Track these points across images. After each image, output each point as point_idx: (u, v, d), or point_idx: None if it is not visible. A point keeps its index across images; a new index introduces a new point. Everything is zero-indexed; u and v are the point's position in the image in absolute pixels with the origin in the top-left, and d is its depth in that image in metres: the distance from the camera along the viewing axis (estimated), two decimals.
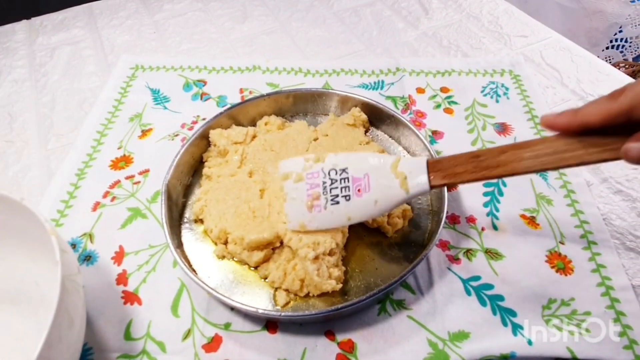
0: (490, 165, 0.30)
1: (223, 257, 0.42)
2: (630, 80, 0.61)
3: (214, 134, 0.49)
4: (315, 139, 0.50)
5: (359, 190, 0.36)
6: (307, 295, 0.39)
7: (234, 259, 0.42)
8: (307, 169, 0.39)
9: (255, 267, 0.41)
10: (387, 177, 0.35)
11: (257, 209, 0.43)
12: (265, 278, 0.40)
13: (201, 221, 0.45)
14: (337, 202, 0.37)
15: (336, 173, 0.37)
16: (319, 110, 0.55)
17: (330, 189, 0.37)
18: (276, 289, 0.40)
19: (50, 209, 0.47)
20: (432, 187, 0.33)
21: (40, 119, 0.59)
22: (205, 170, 0.48)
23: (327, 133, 0.50)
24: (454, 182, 0.33)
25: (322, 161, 0.39)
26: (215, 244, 0.43)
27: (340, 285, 0.39)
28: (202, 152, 0.50)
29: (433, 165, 0.34)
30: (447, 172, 0.33)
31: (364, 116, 0.51)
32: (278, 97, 0.53)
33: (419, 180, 0.34)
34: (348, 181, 0.37)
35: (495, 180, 0.48)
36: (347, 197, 0.36)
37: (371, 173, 0.36)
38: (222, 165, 0.48)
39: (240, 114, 0.52)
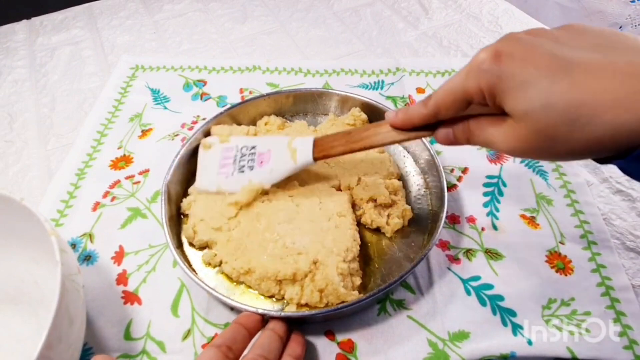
0: (356, 140, 0.38)
1: (209, 264, 0.41)
2: None
3: (216, 129, 0.49)
4: None
5: (261, 162, 0.43)
6: (326, 306, 0.37)
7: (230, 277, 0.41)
8: (221, 142, 0.47)
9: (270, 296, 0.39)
10: (283, 152, 0.42)
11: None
12: (282, 298, 0.39)
13: (187, 217, 0.44)
14: (243, 171, 0.44)
15: (247, 149, 0.45)
16: (319, 110, 0.55)
17: (239, 161, 0.44)
18: (287, 303, 0.38)
19: (50, 209, 0.47)
20: (315, 158, 0.40)
21: (40, 119, 0.59)
22: None
23: (327, 133, 0.50)
24: (330, 154, 0.40)
25: (228, 142, 0.47)
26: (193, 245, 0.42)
27: (361, 296, 0.37)
28: None
29: (317, 143, 0.41)
30: (325, 147, 0.40)
31: (364, 116, 0.51)
32: (278, 97, 0.53)
33: (305, 153, 0.41)
34: (254, 155, 0.44)
35: (495, 181, 0.48)
36: (251, 167, 0.43)
37: (273, 149, 0.44)
38: None
39: (240, 114, 0.52)
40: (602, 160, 0.26)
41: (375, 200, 0.44)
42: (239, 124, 0.52)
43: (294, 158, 0.41)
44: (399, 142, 0.37)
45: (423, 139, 0.47)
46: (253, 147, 0.45)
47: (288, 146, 0.42)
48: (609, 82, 0.24)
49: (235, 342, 0.32)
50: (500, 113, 0.28)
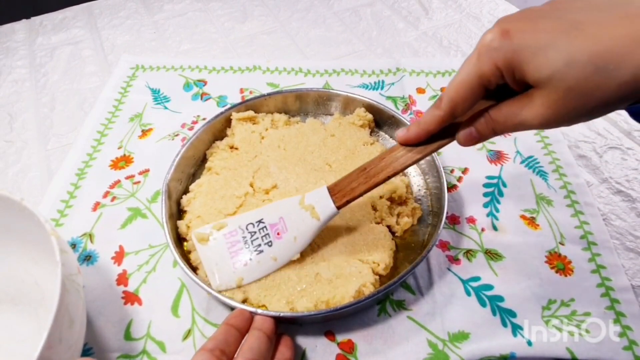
0: (376, 173, 0.35)
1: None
2: None
3: (237, 116, 0.50)
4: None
5: (278, 233, 0.39)
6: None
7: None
8: (217, 230, 0.41)
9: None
10: (298, 214, 0.39)
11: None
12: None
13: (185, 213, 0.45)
14: (262, 251, 0.39)
15: (254, 226, 0.40)
16: (320, 110, 0.55)
17: (252, 241, 0.39)
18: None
19: (51, 209, 0.47)
20: (338, 207, 0.37)
21: (40, 119, 0.59)
22: (208, 163, 0.48)
23: (334, 133, 0.50)
24: (353, 196, 0.36)
25: (224, 226, 0.41)
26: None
27: (361, 296, 0.37)
28: (206, 149, 0.50)
29: (333, 190, 0.38)
30: (345, 191, 0.37)
31: (369, 116, 0.51)
32: (279, 97, 0.53)
33: (325, 205, 0.37)
34: (267, 229, 0.39)
35: (495, 181, 0.48)
36: (269, 243, 0.39)
37: (285, 215, 0.39)
38: (227, 160, 0.48)
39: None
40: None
41: (390, 198, 0.44)
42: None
43: (314, 216, 0.38)
44: (421, 159, 0.34)
45: None
46: (259, 221, 0.40)
47: (301, 206, 0.39)
48: (625, 27, 0.24)
49: (228, 345, 0.32)
50: (519, 91, 0.28)
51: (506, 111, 0.29)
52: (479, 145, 0.52)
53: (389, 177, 0.35)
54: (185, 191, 0.47)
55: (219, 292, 0.37)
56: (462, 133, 0.31)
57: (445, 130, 0.32)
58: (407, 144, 0.34)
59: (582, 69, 0.24)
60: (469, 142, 0.31)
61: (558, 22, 0.25)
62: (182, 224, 0.43)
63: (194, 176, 0.49)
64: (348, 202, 0.37)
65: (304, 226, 0.38)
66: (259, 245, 0.39)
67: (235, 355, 0.31)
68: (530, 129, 0.28)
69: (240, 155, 0.48)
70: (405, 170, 0.48)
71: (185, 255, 0.42)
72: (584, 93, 0.25)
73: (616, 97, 0.25)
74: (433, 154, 0.45)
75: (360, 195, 0.36)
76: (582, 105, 0.26)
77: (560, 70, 0.25)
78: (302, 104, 0.55)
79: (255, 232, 0.40)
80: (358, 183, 0.36)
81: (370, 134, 0.52)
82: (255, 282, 0.38)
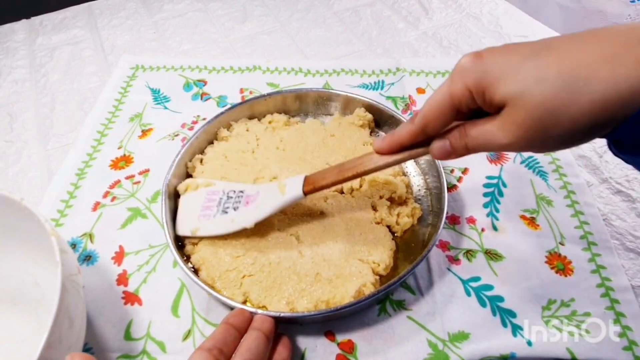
0: (348, 169, 0.37)
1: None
2: None
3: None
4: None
5: (247, 202, 0.41)
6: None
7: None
8: (205, 186, 0.44)
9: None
10: (273, 191, 0.40)
11: None
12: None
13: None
14: (226, 212, 0.41)
15: (234, 193, 0.42)
16: (319, 110, 0.55)
17: (225, 204, 0.42)
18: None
19: (51, 209, 0.47)
20: (305, 192, 0.38)
21: (40, 119, 0.59)
22: (199, 167, 0.48)
23: (333, 133, 0.50)
24: (320, 185, 0.38)
25: (212, 185, 0.44)
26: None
27: (361, 296, 0.37)
28: (206, 147, 0.50)
29: (308, 179, 0.39)
30: (316, 180, 0.38)
31: (369, 116, 0.51)
32: (278, 97, 0.53)
33: (295, 188, 0.39)
34: (241, 198, 0.42)
35: (495, 181, 0.48)
36: (236, 208, 0.41)
37: (263, 191, 0.41)
38: (219, 164, 0.48)
39: (240, 114, 0.52)
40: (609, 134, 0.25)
41: (390, 198, 0.44)
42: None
43: (282, 192, 0.39)
44: (393, 164, 0.34)
45: None
46: (241, 191, 0.42)
47: (278, 186, 0.40)
48: (594, 45, 0.24)
49: (226, 344, 0.31)
50: (493, 113, 0.28)
51: (481, 127, 0.28)
52: None
53: (358, 175, 0.36)
54: None
55: (178, 236, 0.41)
56: (436, 144, 0.31)
57: (421, 142, 0.32)
58: (381, 153, 0.34)
59: (551, 84, 0.24)
60: (441, 154, 0.31)
61: (530, 46, 0.26)
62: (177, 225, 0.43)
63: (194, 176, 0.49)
64: (315, 189, 0.38)
65: (269, 199, 0.40)
66: (228, 207, 0.41)
67: (233, 355, 0.31)
68: (501, 148, 0.28)
69: (234, 159, 0.48)
70: (406, 170, 0.49)
71: (185, 256, 0.42)
72: (554, 111, 0.24)
73: (587, 118, 0.24)
74: None
75: (327, 186, 0.38)
76: (552, 125, 0.25)
77: (528, 87, 0.25)
78: (302, 104, 0.55)
79: (232, 198, 0.42)
80: (330, 175, 0.38)
81: (370, 134, 0.52)
82: (255, 284, 0.38)
